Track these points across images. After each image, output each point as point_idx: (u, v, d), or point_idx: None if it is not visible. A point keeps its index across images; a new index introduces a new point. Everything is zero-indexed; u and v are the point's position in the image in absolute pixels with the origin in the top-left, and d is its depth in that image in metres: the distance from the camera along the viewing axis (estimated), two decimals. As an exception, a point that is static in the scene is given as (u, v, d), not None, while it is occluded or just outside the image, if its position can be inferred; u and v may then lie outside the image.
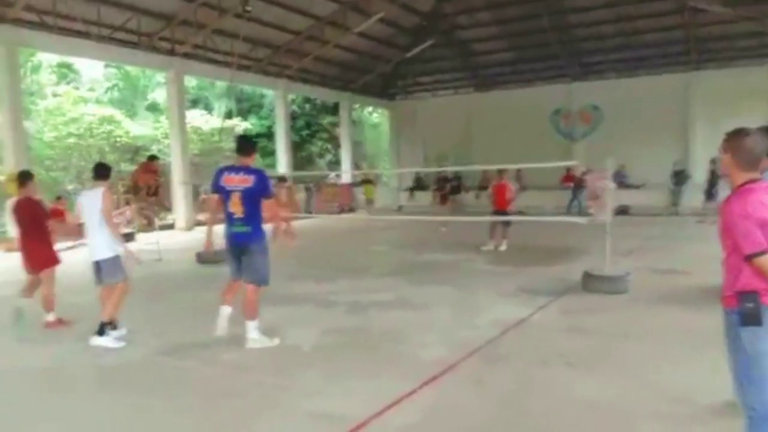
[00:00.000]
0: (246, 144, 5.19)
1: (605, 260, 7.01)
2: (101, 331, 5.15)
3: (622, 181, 18.35)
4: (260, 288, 4.98)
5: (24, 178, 6.08)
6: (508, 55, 23.23)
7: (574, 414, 3.54)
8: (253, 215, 4.84)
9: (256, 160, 5.44)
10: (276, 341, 5.05)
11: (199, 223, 17.07)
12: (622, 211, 16.98)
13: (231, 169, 4.98)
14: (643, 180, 19.39)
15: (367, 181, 22.28)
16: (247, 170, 4.90)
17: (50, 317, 6.15)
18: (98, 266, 5.32)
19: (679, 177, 18.46)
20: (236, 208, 4.81)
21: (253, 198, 4.83)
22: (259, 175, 4.93)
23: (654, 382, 4.03)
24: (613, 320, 5.70)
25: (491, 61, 23.98)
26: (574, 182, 19.22)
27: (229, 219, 4.90)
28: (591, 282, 6.96)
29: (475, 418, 3.51)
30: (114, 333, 5.24)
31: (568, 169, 19.32)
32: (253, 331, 4.97)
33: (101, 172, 5.56)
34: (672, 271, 8.24)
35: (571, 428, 3.38)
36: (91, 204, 5.34)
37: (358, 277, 8.24)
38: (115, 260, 5.30)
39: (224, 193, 4.88)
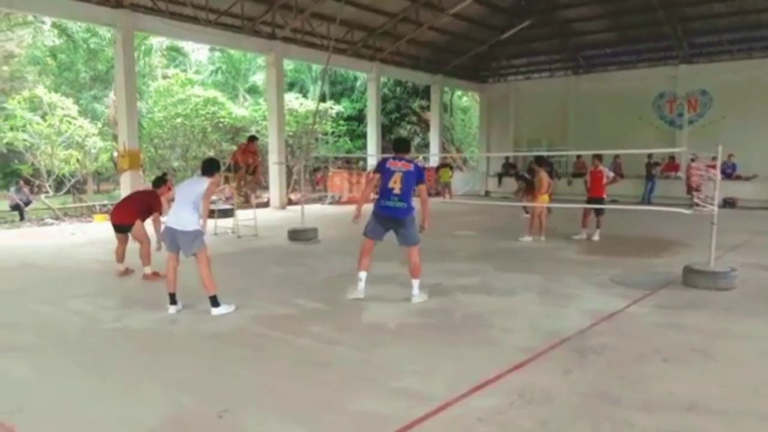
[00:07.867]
0: (403, 144, 6.16)
1: (709, 254, 6.61)
2: (215, 303, 5.38)
3: (730, 171, 17.11)
4: (419, 248, 5.87)
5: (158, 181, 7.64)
6: (610, 35, 22.13)
7: (669, 410, 3.39)
8: (408, 194, 5.72)
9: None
10: (426, 297, 5.90)
11: (291, 203, 17.74)
12: (728, 203, 15.89)
13: (395, 157, 5.89)
14: (753, 171, 17.95)
15: (444, 165, 21.89)
16: (408, 160, 5.89)
17: (147, 270, 7.04)
18: (174, 235, 5.39)
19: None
20: (396, 185, 5.68)
21: (410, 180, 5.71)
22: (417, 165, 5.93)
23: (758, 383, 3.79)
24: (715, 318, 5.38)
25: (592, 42, 22.91)
26: (647, 170, 18.21)
27: (388, 194, 5.73)
28: (692, 277, 6.59)
29: (561, 406, 3.45)
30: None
31: (672, 158, 18.23)
32: (416, 288, 5.86)
33: (208, 168, 5.72)
34: (783, 269, 7.65)
35: (665, 424, 3.23)
36: (191, 188, 5.51)
37: (443, 261, 8.21)
38: (195, 234, 5.35)
39: (387, 173, 5.74)
